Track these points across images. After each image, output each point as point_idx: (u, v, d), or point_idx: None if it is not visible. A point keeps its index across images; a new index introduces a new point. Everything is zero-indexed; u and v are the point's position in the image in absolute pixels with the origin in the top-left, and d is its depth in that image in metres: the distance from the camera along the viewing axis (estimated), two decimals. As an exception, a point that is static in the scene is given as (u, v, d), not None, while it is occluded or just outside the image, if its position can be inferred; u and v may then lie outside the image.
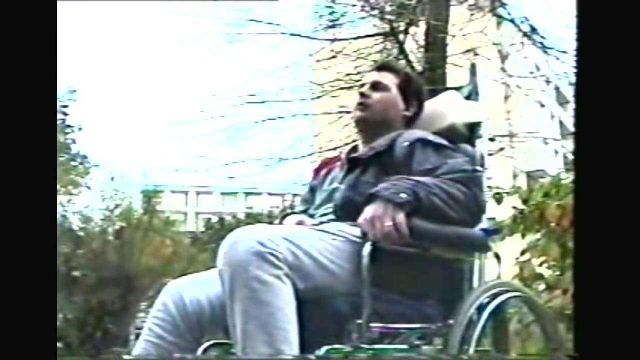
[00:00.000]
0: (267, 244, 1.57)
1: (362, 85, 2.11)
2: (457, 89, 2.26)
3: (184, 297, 1.80)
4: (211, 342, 1.84)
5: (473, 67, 2.32)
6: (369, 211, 1.64)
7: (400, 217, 1.62)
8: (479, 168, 1.89)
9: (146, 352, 1.75)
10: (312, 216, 1.99)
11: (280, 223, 2.05)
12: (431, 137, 1.90)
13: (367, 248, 1.60)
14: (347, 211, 1.79)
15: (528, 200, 3.35)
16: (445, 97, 2.20)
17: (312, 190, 2.11)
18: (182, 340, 1.77)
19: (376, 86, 2.07)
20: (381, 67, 2.15)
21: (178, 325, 1.78)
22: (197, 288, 1.82)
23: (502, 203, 3.44)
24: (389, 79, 2.08)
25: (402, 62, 6.61)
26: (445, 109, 2.14)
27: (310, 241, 1.67)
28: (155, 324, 1.78)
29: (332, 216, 1.89)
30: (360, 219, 1.65)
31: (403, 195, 1.64)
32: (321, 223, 1.88)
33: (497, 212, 3.31)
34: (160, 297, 1.82)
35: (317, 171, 2.18)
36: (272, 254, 1.56)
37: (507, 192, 3.64)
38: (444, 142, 1.90)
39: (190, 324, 1.78)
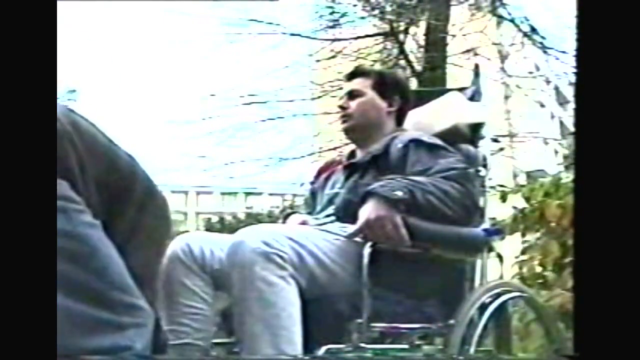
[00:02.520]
0: (273, 244, 1.57)
1: (341, 99, 2.11)
2: (461, 90, 2.27)
3: (192, 247, 1.80)
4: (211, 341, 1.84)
5: (477, 68, 2.32)
6: (365, 211, 1.65)
7: (397, 216, 1.63)
8: (470, 166, 1.89)
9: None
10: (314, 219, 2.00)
11: (284, 222, 2.06)
12: (424, 138, 1.91)
13: (367, 248, 1.61)
14: (348, 213, 1.79)
15: (530, 199, 3.35)
16: (448, 98, 2.20)
17: (313, 194, 2.12)
18: (198, 273, 1.77)
19: (351, 94, 2.07)
20: (352, 75, 2.15)
21: (189, 266, 1.77)
22: (205, 242, 1.82)
23: (507, 201, 3.44)
24: (362, 84, 2.08)
25: (402, 62, 6.63)
26: (449, 110, 2.14)
27: (313, 241, 1.67)
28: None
29: (333, 218, 1.89)
30: (359, 220, 1.65)
31: (399, 192, 1.65)
32: (324, 224, 1.88)
33: (498, 212, 3.30)
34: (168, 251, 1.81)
35: (317, 175, 2.19)
36: (277, 255, 1.56)
37: (510, 191, 3.64)
38: (438, 142, 1.91)
39: (203, 266, 1.78)
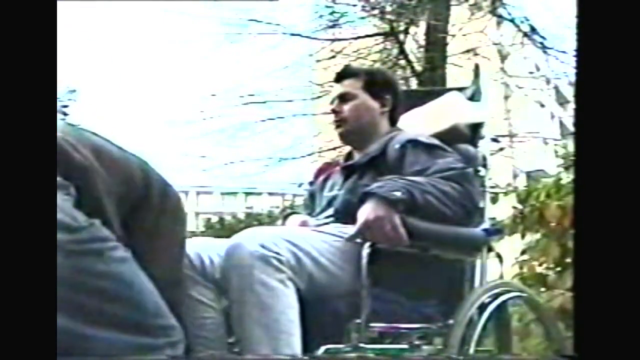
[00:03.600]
0: (271, 248, 1.57)
1: (332, 101, 2.08)
2: (461, 89, 2.26)
3: (190, 256, 1.76)
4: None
5: (477, 68, 2.31)
6: (364, 211, 1.65)
7: (396, 216, 1.63)
8: (469, 166, 1.89)
9: None
10: (314, 221, 1.99)
11: (284, 223, 2.05)
12: (422, 138, 1.90)
13: (366, 249, 1.61)
14: (347, 214, 1.79)
15: (525, 200, 3.35)
16: (448, 98, 2.19)
17: (312, 196, 2.11)
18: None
19: (343, 97, 2.04)
20: (341, 76, 2.10)
21: (192, 277, 1.71)
22: (202, 250, 1.79)
23: (497, 203, 3.43)
24: (353, 86, 2.04)
25: (402, 62, 6.63)
26: (448, 109, 2.13)
27: (311, 243, 1.67)
28: None
29: (333, 220, 1.89)
30: (358, 221, 1.65)
31: (397, 193, 1.65)
32: (324, 225, 1.88)
33: (497, 212, 3.30)
34: None
35: (315, 177, 2.17)
36: (275, 258, 1.56)
37: (504, 192, 3.63)
38: (436, 142, 1.90)
39: (205, 275, 1.74)
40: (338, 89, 2.08)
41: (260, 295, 1.54)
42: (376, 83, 2.07)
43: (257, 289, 1.54)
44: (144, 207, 1.25)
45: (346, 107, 2.03)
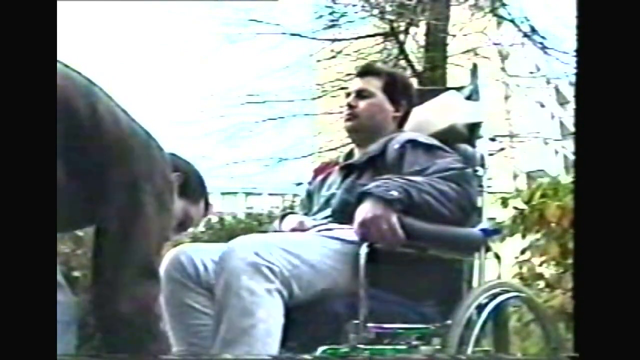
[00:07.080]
0: (264, 256, 1.56)
1: (348, 94, 2.08)
2: (458, 89, 2.26)
3: (184, 263, 1.79)
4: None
5: (474, 67, 2.31)
6: (361, 211, 1.64)
7: (393, 216, 1.62)
8: (468, 166, 1.88)
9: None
10: (311, 220, 1.98)
11: (280, 223, 2.05)
12: (421, 139, 1.90)
13: (363, 249, 1.60)
14: (345, 214, 1.78)
15: (530, 202, 3.35)
16: (445, 98, 2.19)
17: (310, 195, 2.11)
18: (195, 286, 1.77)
19: (361, 94, 2.04)
20: (363, 72, 2.11)
21: (185, 284, 1.77)
22: (196, 255, 1.81)
23: (507, 206, 3.43)
24: (373, 84, 2.05)
25: (402, 62, 6.62)
26: (446, 109, 2.13)
27: (309, 248, 1.67)
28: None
29: (331, 219, 1.89)
30: (355, 221, 1.65)
31: (394, 192, 1.64)
32: (321, 224, 1.88)
33: (497, 213, 3.30)
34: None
35: (314, 176, 2.17)
36: (267, 267, 1.56)
37: (511, 196, 3.63)
38: (435, 142, 1.90)
39: (199, 282, 1.78)
40: (357, 83, 2.07)
41: (244, 300, 1.53)
42: (396, 87, 2.07)
43: (242, 293, 1.53)
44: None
45: (362, 104, 2.03)
